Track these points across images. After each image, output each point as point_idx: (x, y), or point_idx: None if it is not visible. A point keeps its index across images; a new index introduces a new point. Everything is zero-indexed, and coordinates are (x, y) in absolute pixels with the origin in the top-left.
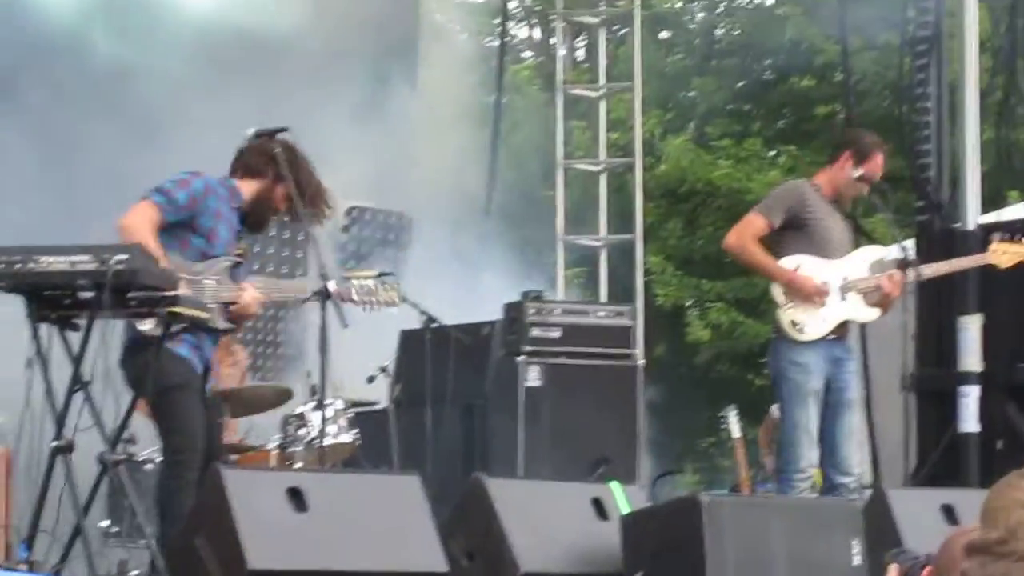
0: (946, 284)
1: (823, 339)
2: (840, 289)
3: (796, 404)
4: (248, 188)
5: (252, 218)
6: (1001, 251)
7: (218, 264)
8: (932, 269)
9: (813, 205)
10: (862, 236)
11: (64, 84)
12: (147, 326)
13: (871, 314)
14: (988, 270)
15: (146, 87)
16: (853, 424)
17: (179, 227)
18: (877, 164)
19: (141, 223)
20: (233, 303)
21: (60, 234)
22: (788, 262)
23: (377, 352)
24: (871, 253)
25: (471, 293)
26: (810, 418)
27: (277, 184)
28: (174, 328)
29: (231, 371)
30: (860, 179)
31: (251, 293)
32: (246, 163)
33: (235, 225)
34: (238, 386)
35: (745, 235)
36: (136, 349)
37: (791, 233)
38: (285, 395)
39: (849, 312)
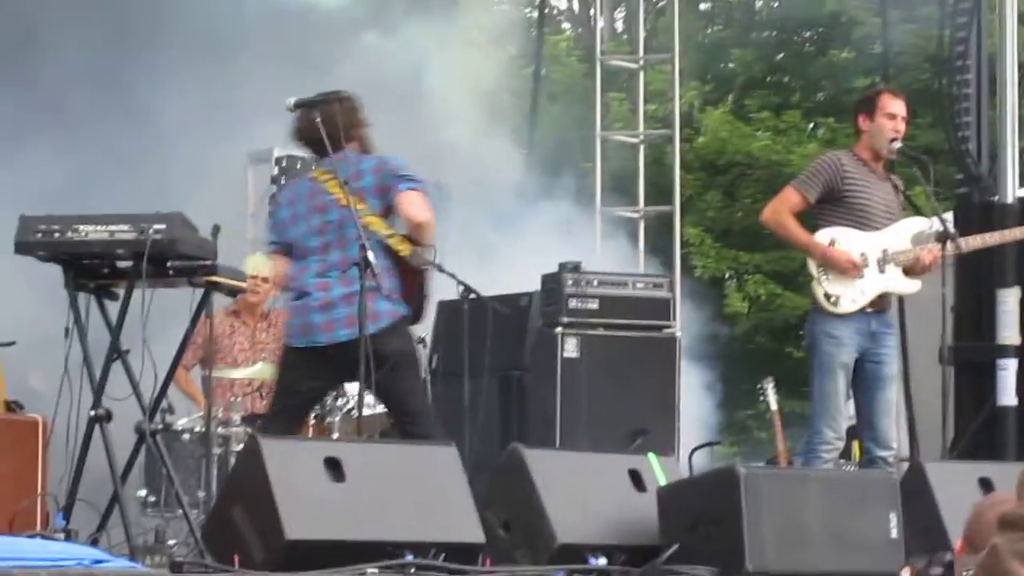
0: (985, 257)
1: (861, 312)
2: (878, 261)
3: (826, 375)
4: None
5: None
6: None
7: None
8: (976, 241)
9: (852, 176)
10: (908, 207)
11: None
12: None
13: (911, 286)
14: None
15: None
16: (891, 398)
17: None
18: (887, 102)
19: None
20: None
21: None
22: (823, 235)
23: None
24: (914, 224)
25: (509, 264)
26: (839, 390)
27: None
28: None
29: (266, 336)
30: (884, 123)
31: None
32: (361, 136)
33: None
34: (273, 356)
35: (781, 210)
36: (402, 325)
37: (830, 205)
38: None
39: (887, 284)
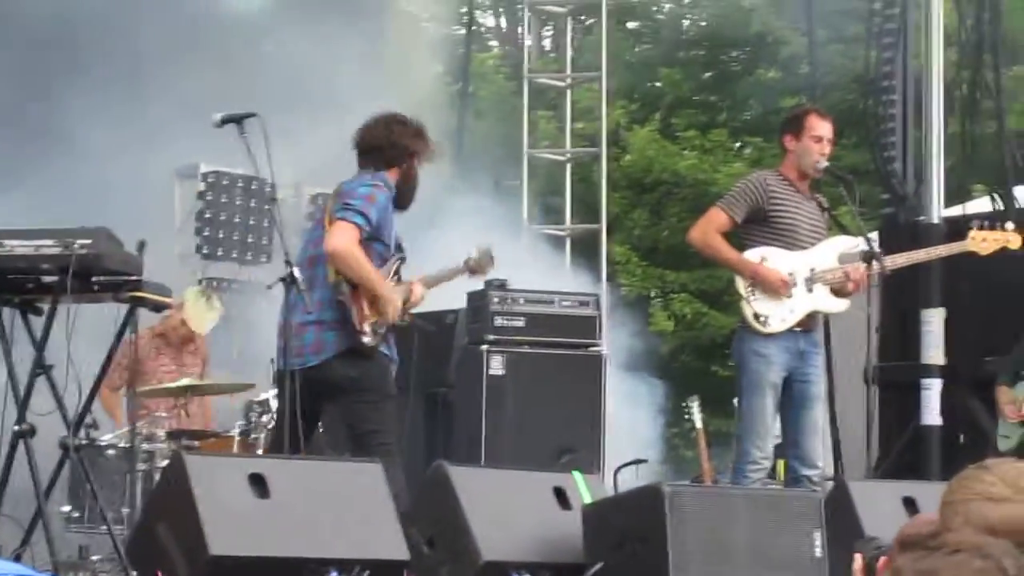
0: (909, 278)
1: (789, 331)
2: (806, 280)
3: (754, 394)
4: (393, 177)
5: (402, 202)
6: (980, 238)
7: (390, 266)
8: (902, 259)
9: (778, 196)
10: (835, 226)
11: None
12: (367, 337)
13: (839, 305)
14: (950, 264)
15: None
16: (818, 417)
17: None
18: (814, 123)
19: (357, 249)
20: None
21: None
22: (753, 254)
23: None
24: (840, 243)
25: None
26: (766, 410)
27: (411, 167)
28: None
29: (192, 359)
30: (811, 144)
31: (420, 289)
32: (388, 157)
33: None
34: (199, 379)
35: (708, 230)
36: (356, 354)
37: (756, 225)
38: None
39: (816, 303)
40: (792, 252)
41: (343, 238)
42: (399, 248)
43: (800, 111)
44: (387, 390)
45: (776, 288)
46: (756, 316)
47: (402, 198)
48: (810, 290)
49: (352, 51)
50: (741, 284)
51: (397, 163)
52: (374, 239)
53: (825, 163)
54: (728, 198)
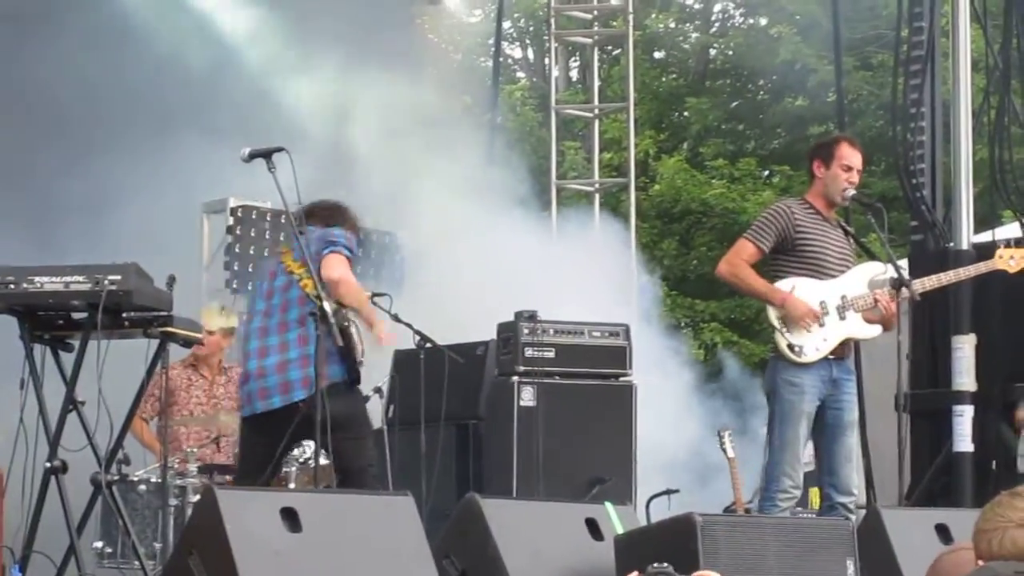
0: (940, 304)
1: (823, 359)
2: (838, 308)
3: (786, 423)
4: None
5: None
6: (1008, 255)
7: None
8: (932, 281)
9: (804, 224)
10: (863, 252)
11: None
12: (362, 367)
13: (871, 331)
14: (980, 291)
15: None
16: (852, 445)
17: None
18: (845, 152)
19: (353, 277)
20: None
21: None
22: (783, 285)
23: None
24: (870, 270)
25: (466, 312)
26: (798, 438)
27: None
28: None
29: (224, 391)
30: (840, 173)
31: (382, 328)
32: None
33: None
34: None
35: (736, 261)
36: (343, 388)
37: (785, 255)
38: None
39: (849, 331)
40: (822, 281)
41: (342, 267)
42: None
43: (831, 139)
44: (370, 423)
45: (804, 319)
46: (791, 347)
47: None
48: (843, 317)
49: (378, 86)
50: (773, 315)
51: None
52: None
53: (852, 191)
54: (755, 228)
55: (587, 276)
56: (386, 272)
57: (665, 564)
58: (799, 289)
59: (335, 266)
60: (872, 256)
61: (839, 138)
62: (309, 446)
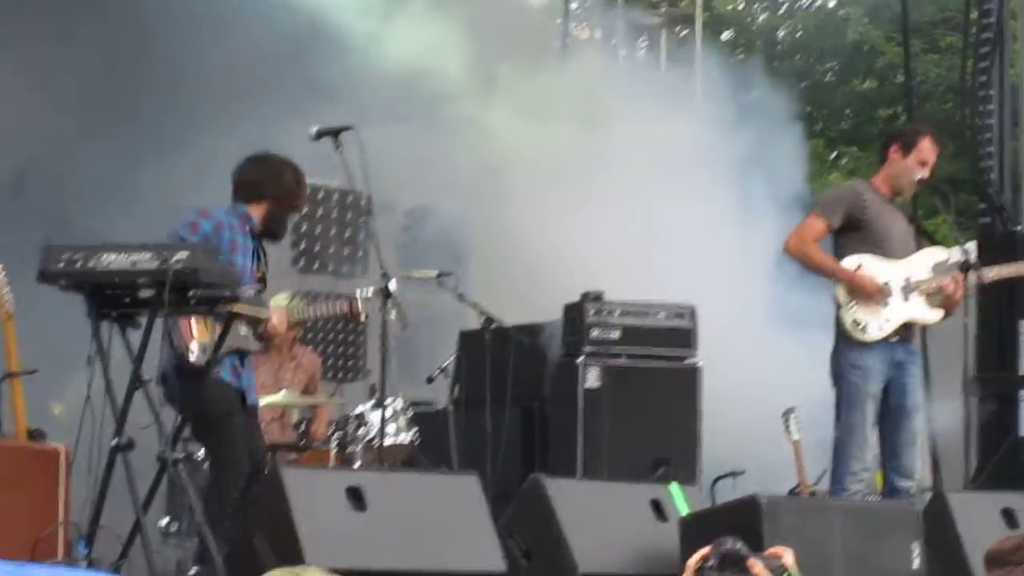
0: (1007, 287)
1: (885, 341)
2: (903, 290)
3: (853, 406)
4: (257, 211)
5: (268, 234)
6: None
7: (244, 293)
8: (995, 272)
9: (871, 205)
10: (924, 238)
11: None
12: (193, 355)
13: (934, 316)
14: None
15: None
16: (915, 428)
17: None
18: (926, 147)
19: None
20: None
21: None
22: (849, 262)
23: (435, 352)
24: (934, 255)
25: (532, 292)
26: (866, 421)
27: (279, 201)
28: (221, 354)
29: (292, 374)
30: (915, 166)
31: (278, 317)
32: (246, 191)
33: (251, 249)
34: (298, 393)
35: (806, 238)
36: (183, 374)
37: (851, 234)
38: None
39: (912, 313)
40: (887, 261)
41: None
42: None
43: (916, 129)
44: (225, 408)
45: (871, 294)
46: (855, 323)
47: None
48: (906, 299)
49: (448, 62)
50: (839, 293)
51: (258, 199)
52: None
53: (917, 188)
54: (824, 205)
55: None
56: (451, 252)
57: (739, 544)
58: (865, 267)
59: None
60: (934, 243)
61: (924, 131)
62: (374, 426)
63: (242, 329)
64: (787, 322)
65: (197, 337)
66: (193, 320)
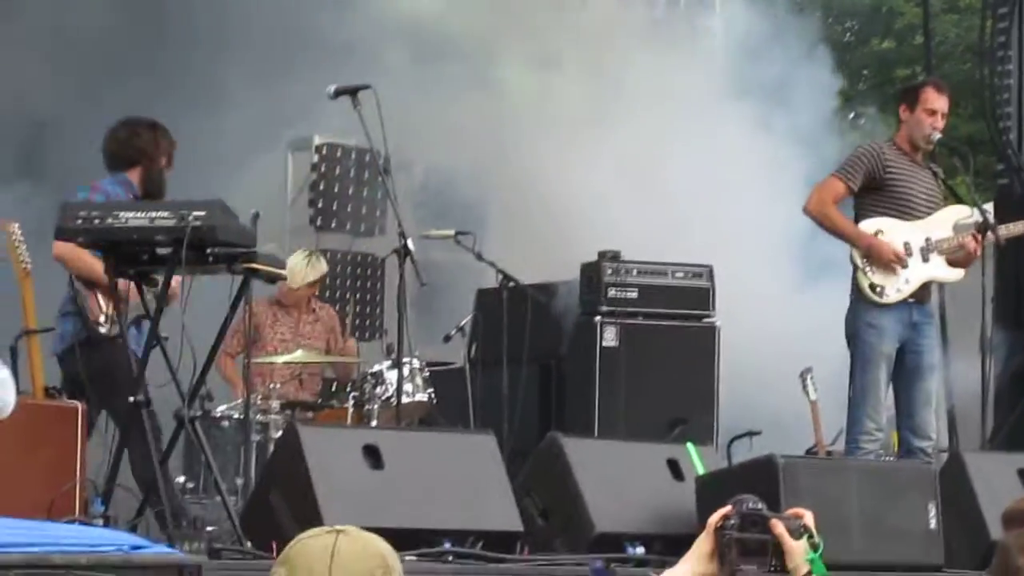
0: None
1: (902, 302)
2: (921, 250)
3: (867, 366)
4: (135, 176)
5: (148, 196)
6: None
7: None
8: (1009, 229)
9: (893, 165)
10: (949, 195)
11: None
12: (104, 327)
13: (954, 274)
14: None
15: None
16: (931, 388)
17: None
18: (930, 96)
19: (76, 250)
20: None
21: None
22: (868, 225)
23: (452, 311)
24: (955, 213)
25: (549, 250)
26: (879, 381)
27: (152, 163)
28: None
29: (311, 329)
30: (924, 117)
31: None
32: (114, 162)
33: None
34: (317, 349)
35: (826, 199)
36: (88, 346)
37: (872, 194)
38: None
39: (932, 273)
40: (908, 222)
41: (60, 243)
42: None
43: (918, 83)
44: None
45: (889, 261)
46: (872, 287)
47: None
48: (926, 260)
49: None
50: (856, 255)
51: (129, 165)
52: None
53: (938, 135)
54: (845, 166)
55: None
56: (469, 209)
57: (760, 504)
58: (885, 232)
59: (57, 243)
60: (959, 200)
61: (925, 82)
62: (391, 384)
63: (148, 294)
64: (810, 276)
65: (104, 309)
66: (99, 292)
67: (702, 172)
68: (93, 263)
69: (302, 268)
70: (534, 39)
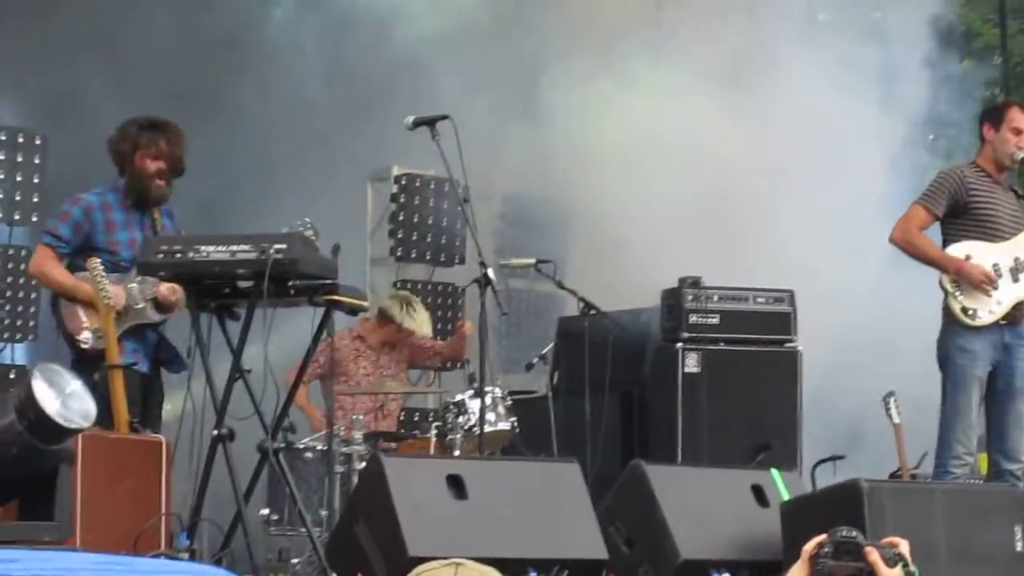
0: None
1: (994, 324)
2: (1011, 271)
3: (958, 389)
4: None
5: (136, 205)
6: None
7: (134, 269)
8: None
9: (976, 187)
10: None
11: None
12: (87, 343)
13: None
14: None
15: None
16: (1023, 411)
17: (85, 250)
18: (1016, 115)
19: (45, 265)
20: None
21: None
22: (957, 250)
23: (534, 340)
24: None
25: (631, 278)
26: (971, 404)
27: (130, 167)
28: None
29: (388, 360)
30: (1009, 136)
31: (166, 285)
32: (114, 163)
33: (136, 220)
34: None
35: (910, 228)
36: (82, 366)
37: (957, 219)
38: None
39: (1023, 293)
40: (995, 244)
41: (33, 260)
42: None
43: (1002, 102)
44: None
45: (979, 284)
46: (964, 310)
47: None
48: (1016, 280)
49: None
50: (946, 280)
51: (121, 171)
52: (90, 249)
53: (1021, 154)
54: (927, 194)
55: None
56: (550, 239)
57: (854, 532)
58: (973, 255)
59: (32, 260)
60: None
61: (1009, 102)
62: (474, 413)
63: (139, 303)
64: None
65: (88, 325)
66: (81, 308)
67: (778, 196)
68: (62, 279)
69: (418, 318)
70: (613, 67)
